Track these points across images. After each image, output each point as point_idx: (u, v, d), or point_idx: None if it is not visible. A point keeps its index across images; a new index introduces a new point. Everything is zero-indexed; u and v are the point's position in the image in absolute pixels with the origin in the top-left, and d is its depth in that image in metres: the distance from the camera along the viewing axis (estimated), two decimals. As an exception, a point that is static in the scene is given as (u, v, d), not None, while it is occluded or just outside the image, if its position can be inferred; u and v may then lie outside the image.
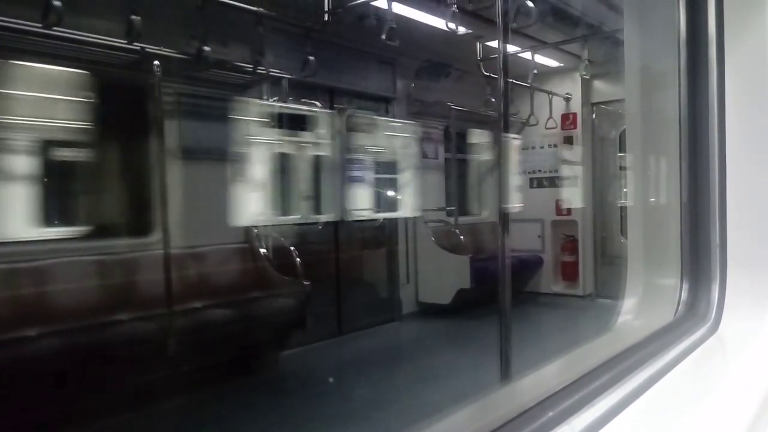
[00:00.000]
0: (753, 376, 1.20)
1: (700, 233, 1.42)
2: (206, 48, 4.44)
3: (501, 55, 2.93)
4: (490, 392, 1.23)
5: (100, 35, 4.13)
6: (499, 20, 3.08)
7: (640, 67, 1.67)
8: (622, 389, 1.06)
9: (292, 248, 5.25)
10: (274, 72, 5.20)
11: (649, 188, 1.67)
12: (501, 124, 3.27)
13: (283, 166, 5.53)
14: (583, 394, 1.03)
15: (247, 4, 4.60)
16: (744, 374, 1.22)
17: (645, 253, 1.53)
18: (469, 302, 6.89)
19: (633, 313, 1.47)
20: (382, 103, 7.06)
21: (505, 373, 2.62)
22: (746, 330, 1.36)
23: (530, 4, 4.10)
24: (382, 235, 7.09)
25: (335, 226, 6.39)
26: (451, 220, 7.57)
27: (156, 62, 4.29)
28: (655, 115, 1.65)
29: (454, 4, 4.39)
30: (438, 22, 5.53)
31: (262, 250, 5.34)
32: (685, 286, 1.43)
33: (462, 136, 8.00)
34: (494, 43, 6.45)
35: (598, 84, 8.17)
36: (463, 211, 8.09)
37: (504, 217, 2.55)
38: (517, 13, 4.08)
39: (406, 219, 7.11)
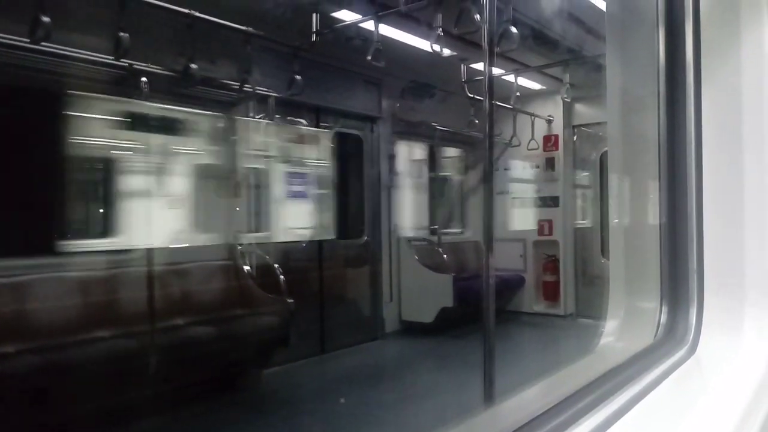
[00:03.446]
0: (729, 397, 1.24)
1: (678, 258, 1.47)
2: (193, 65, 4.47)
3: (487, 78, 2.99)
4: (474, 415, 1.25)
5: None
6: (485, 44, 3.16)
7: (622, 92, 1.71)
8: (604, 410, 1.09)
9: (276, 266, 5.24)
10: (261, 90, 5.24)
11: (631, 212, 1.72)
12: (486, 146, 3.32)
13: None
14: (566, 415, 1.05)
15: (238, 24, 4.65)
16: (720, 395, 1.26)
17: (626, 276, 1.57)
18: (452, 321, 6.92)
19: (615, 335, 1.51)
20: (367, 122, 7.13)
21: (489, 394, 2.64)
22: (722, 352, 1.41)
23: (514, 29, 4.20)
24: (366, 254, 7.11)
25: (319, 243, 6.40)
26: (435, 238, 7.62)
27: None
28: (636, 139, 1.68)
29: (440, 27, 4.47)
30: (423, 44, 5.63)
31: (246, 268, 5.33)
32: (665, 310, 1.47)
33: (445, 156, 8.09)
34: (478, 65, 6.57)
35: (579, 107, 8.33)
36: (447, 229, 8.15)
37: (489, 237, 2.59)
38: (501, 37, 4.17)
39: (390, 238, 7.14)
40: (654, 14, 1.60)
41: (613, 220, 1.77)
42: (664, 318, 1.48)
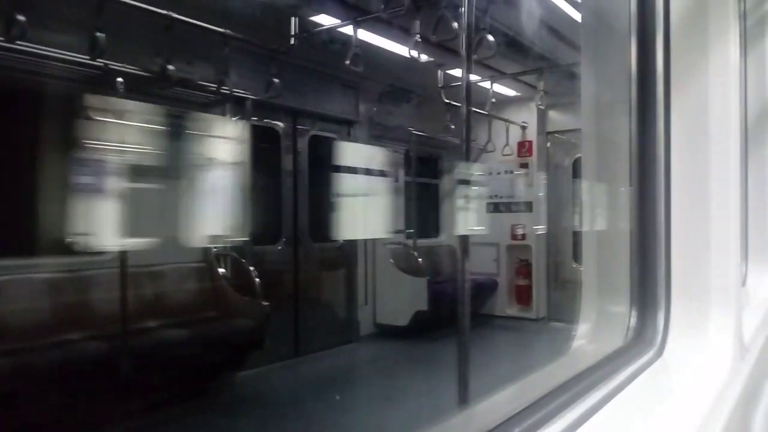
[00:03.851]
0: (694, 395, 1.30)
1: (647, 264, 1.53)
2: (170, 66, 4.43)
3: (465, 85, 3.04)
4: (448, 417, 1.28)
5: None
6: (463, 52, 3.21)
7: (596, 100, 1.76)
8: (577, 410, 1.13)
9: (251, 268, 5.22)
10: (239, 92, 5.22)
11: (603, 218, 1.77)
12: (464, 151, 3.37)
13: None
14: (540, 415, 1.09)
15: (216, 26, 4.63)
16: (686, 394, 1.32)
17: (598, 281, 1.63)
18: (427, 324, 6.96)
19: (587, 338, 1.56)
20: (344, 126, 7.14)
21: (463, 397, 2.68)
22: (687, 354, 1.47)
23: (490, 37, 4.27)
24: (341, 257, 7.11)
25: (295, 247, 6.39)
26: (410, 242, 7.66)
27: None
28: (609, 147, 1.72)
29: (418, 33, 4.52)
30: (400, 49, 5.68)
31: (221, 270, 5.29)
32: (634, 314, 1.53)
33: (422, 160, 8.14)
34: (454, 71, 6.64)
35: (552, 114, 8.47)
36: (422, 233, 8.19)
37: (464, 242, 2.63)
38: (478, 45, 4.24)
39: (365, 241, 7.16)
40: (627, 26, 1.65)
41: (586, 227, 1.82)
42: (633, 321, 1.53)
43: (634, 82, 1.64)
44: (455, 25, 3.98)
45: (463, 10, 2.78)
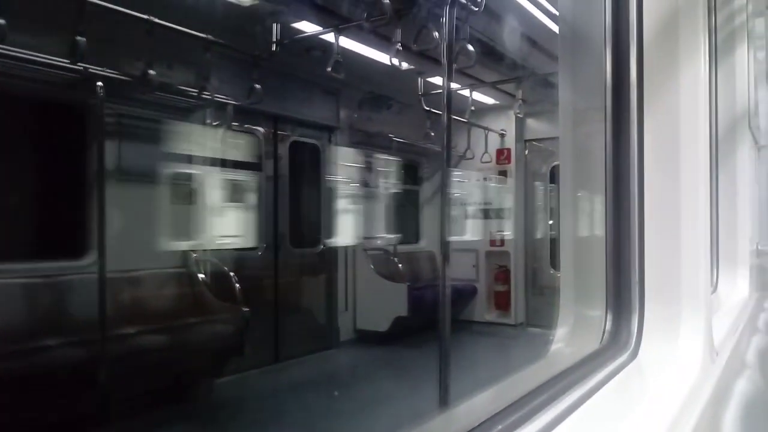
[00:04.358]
0: (667, 397, 1.35)
1: (622, 269, 1.58)
2: (151, 71, 4.42)
3: (445, 93, 3.10)
4: (428, 418, 1.31)
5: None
6: (444, 60, 3.26)
7: (573, 109, 1.80)
8: (553, 410, 1.17)
9: (231, 274, 5.20)
10: (220, 97, 5.22)
11: (580, 224, 1.82)
12: (444, 157, 3.42)
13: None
14: (518, 416, 1.13)
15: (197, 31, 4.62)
16: (659, 395, 1.37)
17: (575, 286, 1.67)
18: (407, 329, 6.99)
19: (564, 341, 1.61)
20: (325, 132, 7.16)
21: (444, 399, 2.72)
22: (660, 356, 1.52)
23: (470, 47, 4.34)
24: (322, 262, 7.12)
25: (275, 252, 6.39)
26: (391, 248, 7.70)
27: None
28: (586, 155, 1.75)
29: (399, 42, 4.57)
30: (381, 57, 5.73)
31: (200, 276, 5.27)
32: (609, 317, 1.57)
33: (402, 167, 8.19)
34: (434, 79, 6.71)
35: (530, 122, 8.59)
36: (402, 239, 8.24)
37: (445, 248, 2.66)
38: (458, 54, 4.30)
39: (345, 247, 7.18)
40: (602, 38, 1.70)
41: (564, 233, 1.85)
42: (609, 325, 1.57)
43: (609, 92, 1.68)
44: (435, 34, 4.05)
45: (445, 20, 2.83)
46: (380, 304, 7.19)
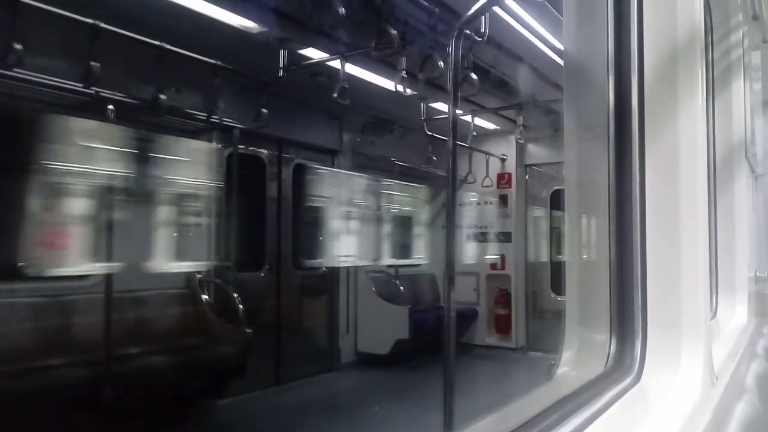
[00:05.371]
0: (668, 420, 1.39)
1: (625, 295, 1.62)
2: (162, 96, 4.51)
3: (451, 119, 3.17)
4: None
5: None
6: (450, 88, 3.35)
7: (577, 137, 1.85)
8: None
9: (235, 295, 5.23)
10: (227, 121, 5.31)
11: (585, 250, 1.86)
12: (449, 182, 3.48)
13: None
14: (526, 437, 1.17)
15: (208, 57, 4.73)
16: (661, 418, 1.41)
17: (580, 311, 1.72)
18: (408, 352, 6.99)
19: (570, 365, 1.65)
20: (328, 155, 7.25)
21: (448, 424, 2.73)
22: (663, 381, 1.56)
23: (474, 76, 4.45)
24: (324, 284, 7.14)
25: (278, 274, 6.42)
26: (392, 270, 7.73)
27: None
28: (590, 182, 1.79)
29: (404, 69, 4.67)
30: (384, 82, 5.83)
31: (204, 297, 5.30)
32: (614, 342, 1.62)
33: (404, 190, 8.25)
34: (437, 104, 6.81)
35: (531, 147, 8.68)
36: (405, 262, 8.26)
37: (450, 271, 2.70)
38: (462, 82, 4.40)
39: (347, 269, 7.20)
40: (605, 71, 1.77)
41: (570, 258, 1.89)
42: (613, 349, 1.62)
43: (612, 121, 1.74)
44: (441, 63, 4.16)
45: (451, 50, 2.91)
46: (381, 326, 7.18)
